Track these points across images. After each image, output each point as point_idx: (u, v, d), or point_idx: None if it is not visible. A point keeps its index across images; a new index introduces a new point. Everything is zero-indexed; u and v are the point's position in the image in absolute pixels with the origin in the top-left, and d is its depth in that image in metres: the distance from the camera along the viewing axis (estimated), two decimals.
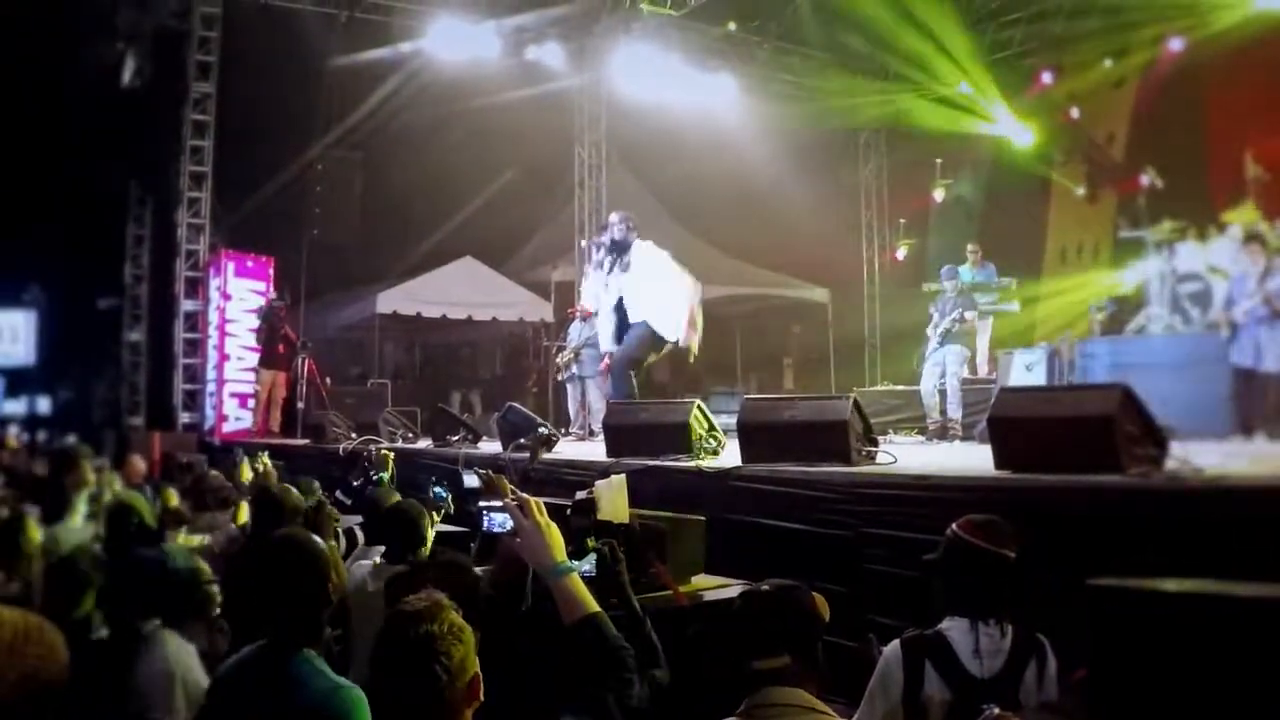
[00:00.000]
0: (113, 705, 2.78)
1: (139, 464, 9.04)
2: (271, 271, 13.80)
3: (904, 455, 5.17)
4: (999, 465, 4.13)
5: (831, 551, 4.27)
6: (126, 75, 14.70)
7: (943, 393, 9.21)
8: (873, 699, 2.78)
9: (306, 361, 12.12)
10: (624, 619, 2.51)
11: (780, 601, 2.38)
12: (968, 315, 9.36)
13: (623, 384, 7.96)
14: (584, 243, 13.17)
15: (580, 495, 3.12)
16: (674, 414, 5.91)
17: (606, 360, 8.70)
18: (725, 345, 17.76)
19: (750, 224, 16.31)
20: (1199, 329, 9.38)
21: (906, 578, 3.70)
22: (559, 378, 11.29)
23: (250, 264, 13.66)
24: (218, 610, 3.30)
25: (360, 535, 4.72)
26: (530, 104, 14.42)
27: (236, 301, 13.40)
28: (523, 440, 6.74)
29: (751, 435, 5.29)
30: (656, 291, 7.93)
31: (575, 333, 10.59)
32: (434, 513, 4.40)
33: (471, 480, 5.20)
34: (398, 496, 4.73)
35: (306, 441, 10.52)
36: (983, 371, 10.65)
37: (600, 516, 3.03)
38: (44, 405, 20.77)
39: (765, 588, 2.43)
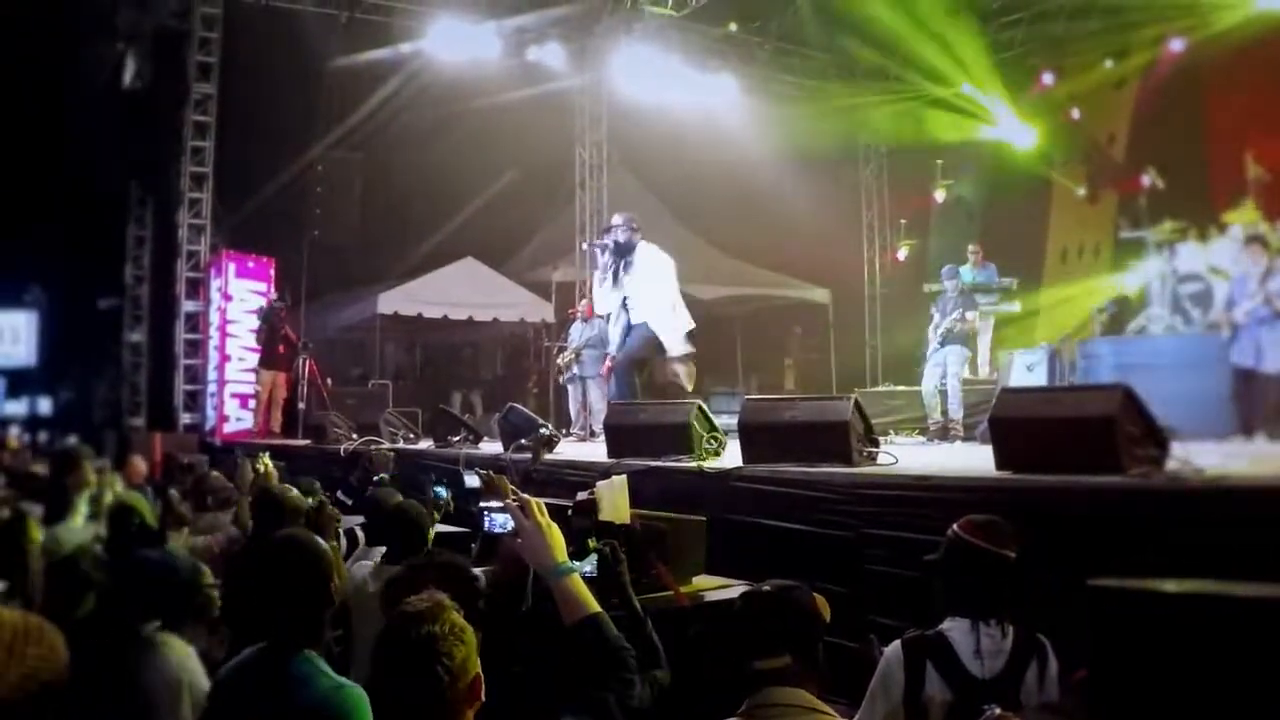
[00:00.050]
0: (114, 707, 2.77)
1: (140, 465, 9.04)
2: (272, 272, 13.80)
3: (905, 456, 5.15)
4: (1000, 466, 4.13)
5: (832, 552, 4.26)
6: (127, 76, 14.74)
7: (944, 393, 9.21)
8: (874, 699, 2.79)
9: (307, 362, 12.12)
10: (625, 619, 2.52)
11: (781, 602, 2.38)
12: (969, 316, 9.36)
13: (625, 385, 7.94)
14: (585, 245, 13.12)
15: (581, 496, 3.13)
16: (675, 414, 5.89)
17: (609, 362, 8.68)
18: (726, 346, 17.76)
19: (751, 224, 16.28)
20: (1200, 329, 9.39)
21: (907, 578, 3.70)
22: (560, 379, 11.29)
23: (251, 264, 13.66)
24: (217, 612, 3.30)
25: (361, 536, 4.72)
26: (531, 104, 14.40)
27: (237, 302, 13.40)
28: (524, 441, 6.72)
29: (752, 436, 5.28)
30: (658, 293, 7.91)
31: (576, 333, 10.59)
32: (434, 513, 4.40)
33: (473, 481, 5.19)
34: (400, 497, 4.73)
35: (307, 442, 10.51)
36: (984, 372, 10.65)
37: (601, 517, 3.03)
38: (45, 406, 20.80)
39: (766, 588, 2.43)
